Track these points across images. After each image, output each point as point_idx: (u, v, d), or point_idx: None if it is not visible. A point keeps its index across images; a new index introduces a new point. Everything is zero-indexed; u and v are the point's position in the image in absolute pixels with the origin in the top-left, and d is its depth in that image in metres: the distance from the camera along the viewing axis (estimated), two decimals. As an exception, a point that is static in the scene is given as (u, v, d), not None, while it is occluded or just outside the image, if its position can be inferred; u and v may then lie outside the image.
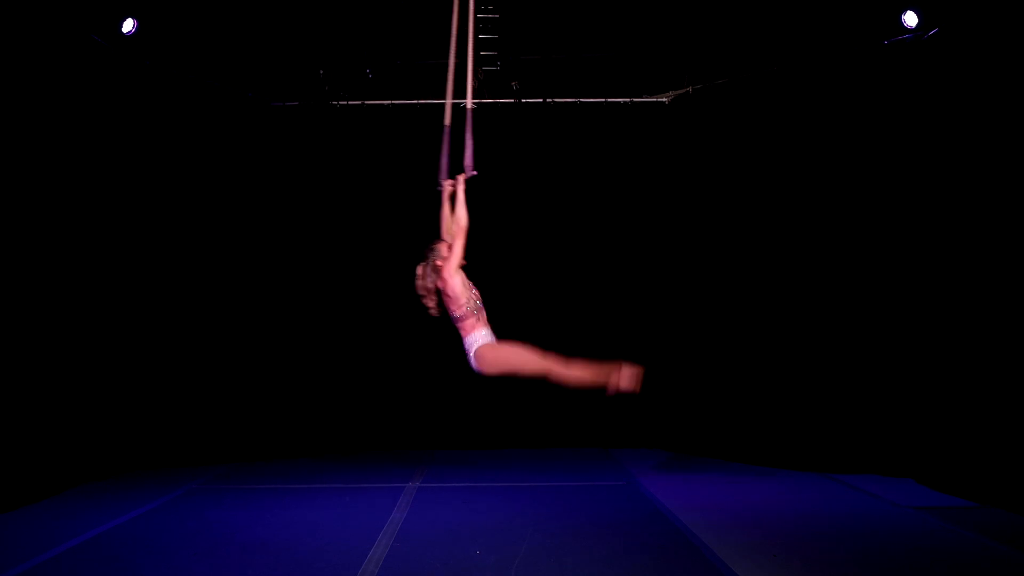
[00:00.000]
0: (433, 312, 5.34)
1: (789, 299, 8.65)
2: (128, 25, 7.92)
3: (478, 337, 5.27)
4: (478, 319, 5.31)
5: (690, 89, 9.46)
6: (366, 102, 9.62)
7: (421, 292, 5.35)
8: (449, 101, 5.63)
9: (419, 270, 5.36)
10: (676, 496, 7.28)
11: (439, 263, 5.29)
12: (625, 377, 5.34)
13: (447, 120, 5.61)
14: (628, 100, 9.72)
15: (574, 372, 5.38)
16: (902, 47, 7.91)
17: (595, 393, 9.49)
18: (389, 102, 9.62)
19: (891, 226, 8.09)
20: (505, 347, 5.28)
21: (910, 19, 7.70)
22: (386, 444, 9.69)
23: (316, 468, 8.86)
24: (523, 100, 9.59)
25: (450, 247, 5.30)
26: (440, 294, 5.32)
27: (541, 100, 9.64)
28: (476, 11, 5.78)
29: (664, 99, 9.69)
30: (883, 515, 6.60)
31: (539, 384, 9.57)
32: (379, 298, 9.70)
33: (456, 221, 5.31)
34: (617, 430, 9.77)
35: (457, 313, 5.28)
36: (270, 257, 9.54)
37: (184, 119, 9.01)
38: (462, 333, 5.32)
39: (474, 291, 5.37)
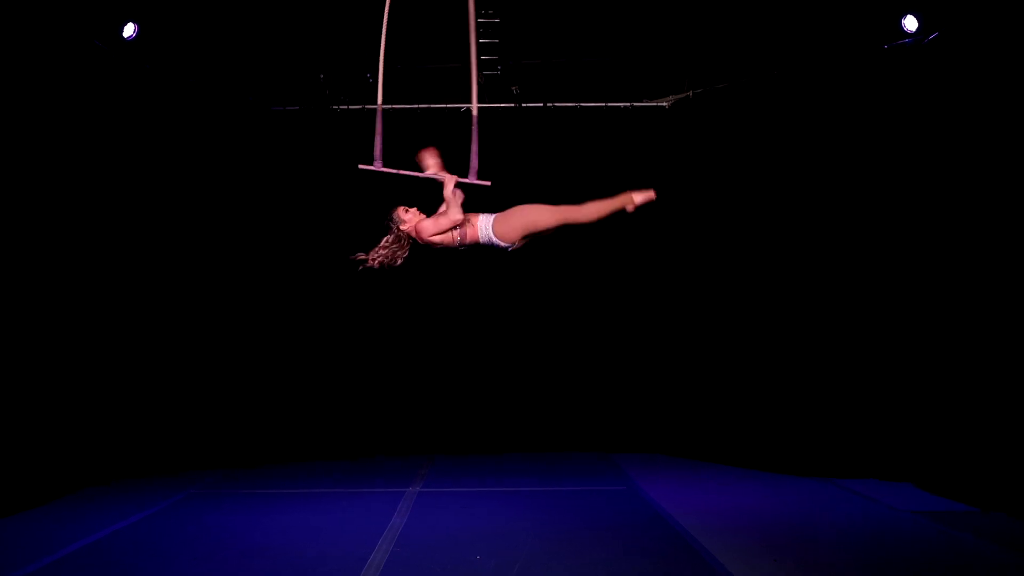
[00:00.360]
0: (391, 262, 5.41)
1: (790, 303, 8.65)
2: (129, 30, 7.94)
3: (485, 224, 5.33)
4: (473, 220, 5.34)
5: (690, 93, 9.46)
6: (366, 106, 9.62)
7: (377, 260, 5.39)
8: (381, 75, 5.57)
9: (383, 242, 5.41)
10: (676, 500, 7.28)
11: (405, 228, 5.35)
12: (638, 195, 5.70)
13: (379, 101, 5.60)
14: (628, 104, 9.73)
15: (589, 210, 5.62)
16: (902, 51, 7.91)
17: (596, 397, 9.66)
18: (389, 106, 9.62)
19: (891, 230, 8.08)
20: (515, 212, 5.38)
21: (910, 23, 7.70)
22: (386, 449, 9.69)
23: (316, 473, 8.86)
24: (523, 104, 9.60)
25: (406, 210, 5.38)
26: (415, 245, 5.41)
27: (541, 104, 9.65)
28: (477, 15, 5.74)
29: (664, 103, 9.69)
30: (883, 520, 6.60)
31: (540, 386, 9.66)
32: (379, 302, 9.71)
33: (447, 214, 5.28)
34: (617, 434, 9.77)
35: (458, 240, 5.35)
36: (269, 261, 9.54)
37: (185, 123, 9.02)
38: (473, 240, 5.37)
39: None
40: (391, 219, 5.42)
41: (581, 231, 9.52)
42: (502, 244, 5.40)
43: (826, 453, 8.27)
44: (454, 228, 5.30)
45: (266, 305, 9.51)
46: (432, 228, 5.28)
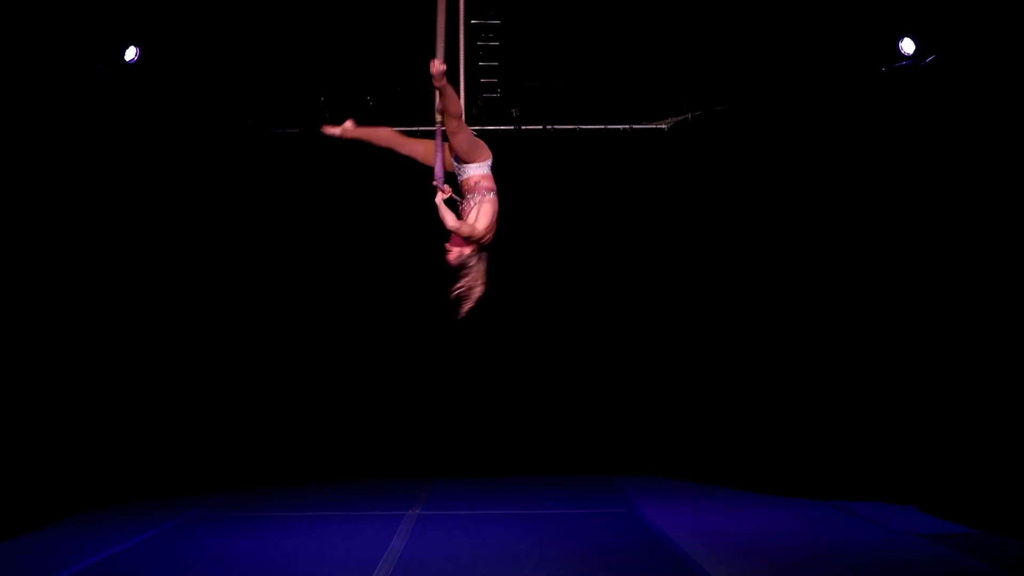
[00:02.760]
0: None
1: (792, 324, 8.64)
2: (131, 53, 7.97)
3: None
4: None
5: (689, 116, 9.50)
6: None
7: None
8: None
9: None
10: (678, 523, 7.24)
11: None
12: None
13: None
14: (627, 127, 9.76)
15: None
16: (900, 73, 7.96)
17: (597, 419, 9.62)
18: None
19: (892, 250, 8.10)
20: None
21: (907, 46, 7.74)
22: (386, 471, 9.65)
23: (315, 495, 8.82)
24: (523, 127, 9.63)
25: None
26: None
27: (541, 127, 9.68)
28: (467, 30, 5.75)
29: (663, 126, 9.73)
30: (886, 543, 6.56)
31: (540, 407, 9.62)
32: (377, 324, 9.70)
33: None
34: (619, 457, 9.73)
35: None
36: (268, 282, 9.54)
37: (186, 146, 9.06)
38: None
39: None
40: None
41: (579, 247, 9.64)
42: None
43: (829, 475, 8.24)
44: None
45: (264, 327, 9.49)
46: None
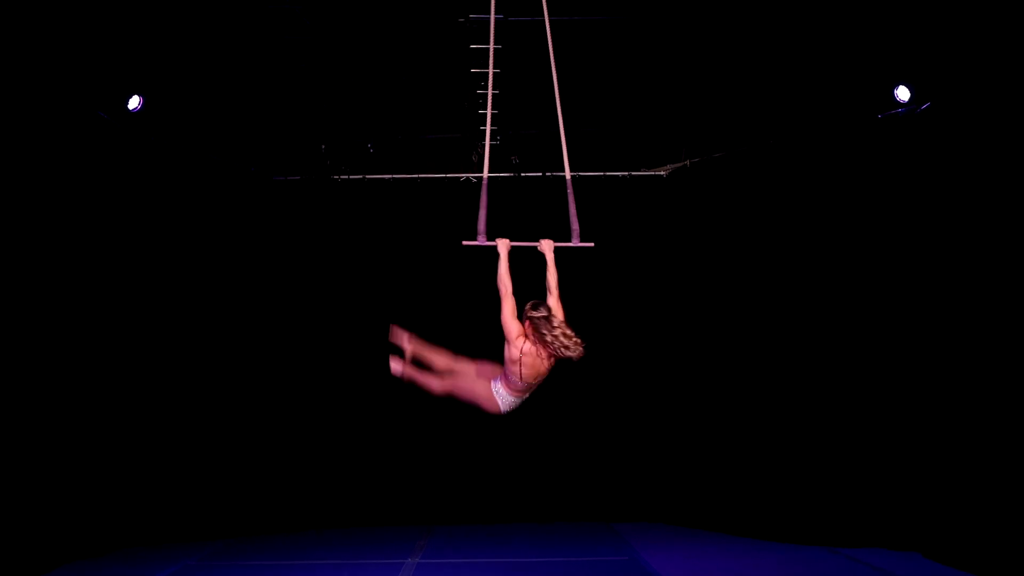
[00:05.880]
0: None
1: (791, 369, 8.63)
2: (134, 102, 8.07)
3: (497, 386, 5.47)
4: (511, 389, 5.45)
5: (688, 162, 9.58)
6: (367, 176, 9.73)
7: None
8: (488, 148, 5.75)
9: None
10: (678, 571, 7.17)
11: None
12: None
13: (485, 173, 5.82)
14: (626, 174, 9.84)
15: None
16: (895, 120, 8.04)
17: (597, 466, 9.57)
18: (390, 176, 9.74)
19: (885, 290, 8.11)
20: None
21: (902, 94, 7.84)
22: (384, 519, 9.57)
23: (313, 544, 8.73)
24: (522, 174, 9.70)
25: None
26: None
27: (540, 174, 9.75)
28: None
29: (662, 172, 9.81)
30: (890, 591, 6.50)
31: (540, 455, 9.57)
32: (374, 371, 9.66)
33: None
34: (619, 503, 9.66)
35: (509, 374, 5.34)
36: (265, 328, 9.54)
37: (188, 193, 9.11)
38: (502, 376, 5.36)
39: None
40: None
41: (577, 295, 9.62)
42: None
43: (831, 520, 8.17)
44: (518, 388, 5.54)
45: (261, 372, 9.47)
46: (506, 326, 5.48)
